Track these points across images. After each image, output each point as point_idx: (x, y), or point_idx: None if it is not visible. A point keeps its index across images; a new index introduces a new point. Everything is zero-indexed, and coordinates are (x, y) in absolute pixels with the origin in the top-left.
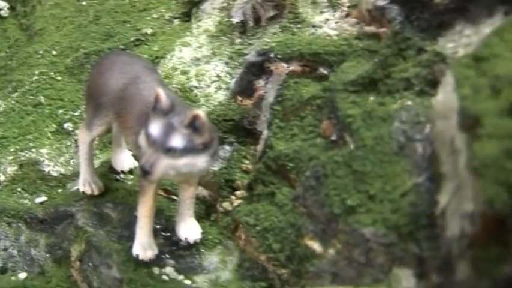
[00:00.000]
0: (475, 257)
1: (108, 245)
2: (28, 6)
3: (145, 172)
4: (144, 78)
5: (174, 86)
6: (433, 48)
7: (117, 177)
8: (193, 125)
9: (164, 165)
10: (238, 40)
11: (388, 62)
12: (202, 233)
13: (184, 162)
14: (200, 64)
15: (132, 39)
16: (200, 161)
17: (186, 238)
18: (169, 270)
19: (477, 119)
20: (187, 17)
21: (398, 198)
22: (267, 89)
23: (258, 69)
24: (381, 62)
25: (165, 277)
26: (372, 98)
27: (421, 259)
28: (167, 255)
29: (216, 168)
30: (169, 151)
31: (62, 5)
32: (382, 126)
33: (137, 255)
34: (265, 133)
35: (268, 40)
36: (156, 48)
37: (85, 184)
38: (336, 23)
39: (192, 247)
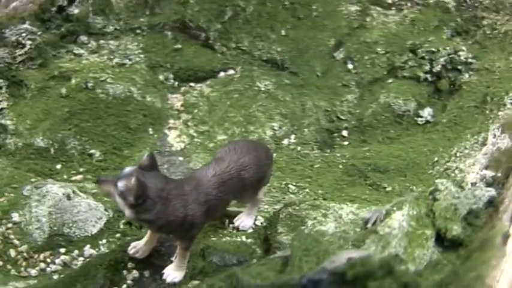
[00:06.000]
0: None
1: None
2: None
3: (97, 180)
4: (229, 162)
5: None
6: None
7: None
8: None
9: (110, 189)
10: None
11: None
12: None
13: (118, 200)
14: None
15: None
16: (126, 211)
17: (163, 274)
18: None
19: None
20: None
21: None
22: None
23: None
24: None
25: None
26: None
27: None
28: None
29: None
30: (116, 187)
31: None
32: None
33: None
34: None
35: None
36: None
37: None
38: None
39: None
